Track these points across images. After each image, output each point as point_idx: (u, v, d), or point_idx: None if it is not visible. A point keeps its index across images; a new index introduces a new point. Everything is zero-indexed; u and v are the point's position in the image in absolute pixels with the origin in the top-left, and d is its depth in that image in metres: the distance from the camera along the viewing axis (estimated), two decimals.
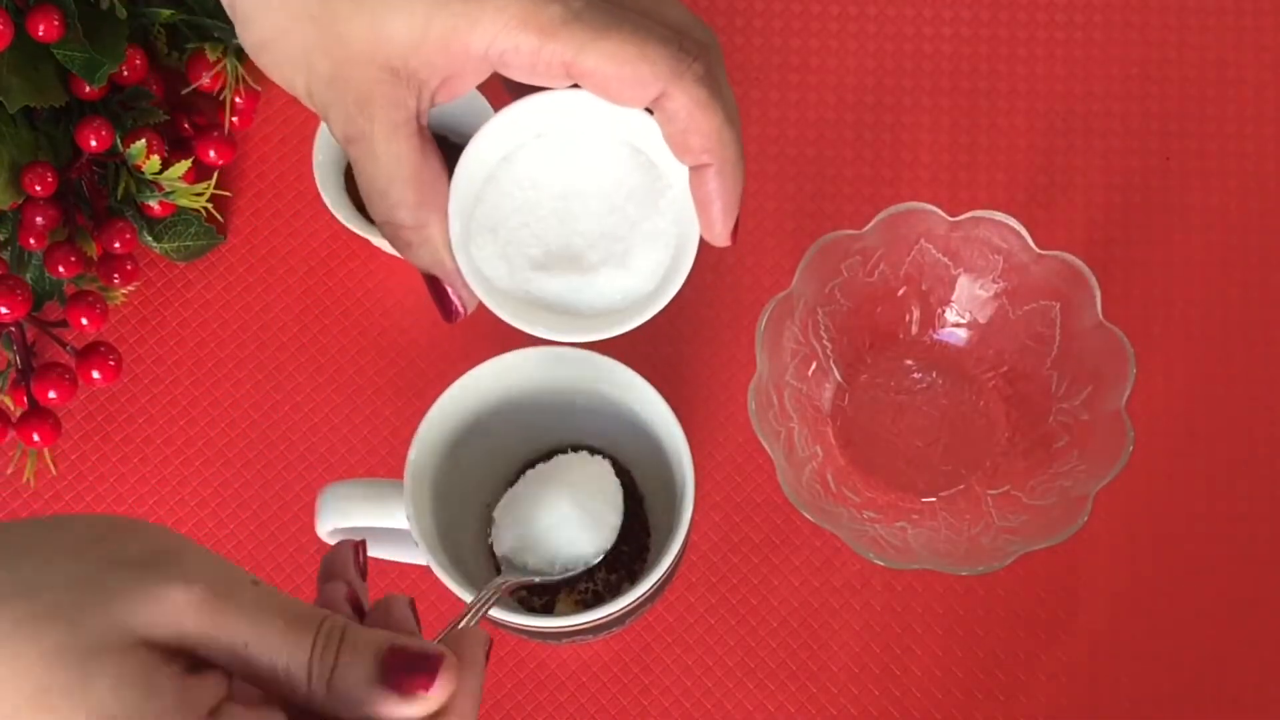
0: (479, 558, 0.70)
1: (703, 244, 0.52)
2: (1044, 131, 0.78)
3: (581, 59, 0.47)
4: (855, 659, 0.71)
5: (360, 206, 0.74)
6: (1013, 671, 0.71)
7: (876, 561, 0.65)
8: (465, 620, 0.51)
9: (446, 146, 0.79)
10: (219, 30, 0.75)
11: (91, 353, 0.72)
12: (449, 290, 0.52)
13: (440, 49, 0.48)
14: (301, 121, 0.79)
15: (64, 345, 0.73)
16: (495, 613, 0.61)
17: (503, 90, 0.54)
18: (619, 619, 0.63)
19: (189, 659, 0.40)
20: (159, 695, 0.38)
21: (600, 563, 0.69)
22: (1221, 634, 0.71)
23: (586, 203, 0.52)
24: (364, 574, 0.46)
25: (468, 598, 0.61)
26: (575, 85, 0.49)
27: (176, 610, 0.39)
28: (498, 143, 0.52)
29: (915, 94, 0.79)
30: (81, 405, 0.75)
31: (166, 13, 0.74)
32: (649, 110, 0.50)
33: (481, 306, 0.53)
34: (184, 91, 0.76)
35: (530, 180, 0.53)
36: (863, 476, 0.72)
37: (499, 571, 0.70)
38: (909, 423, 0.73)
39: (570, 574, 0.61)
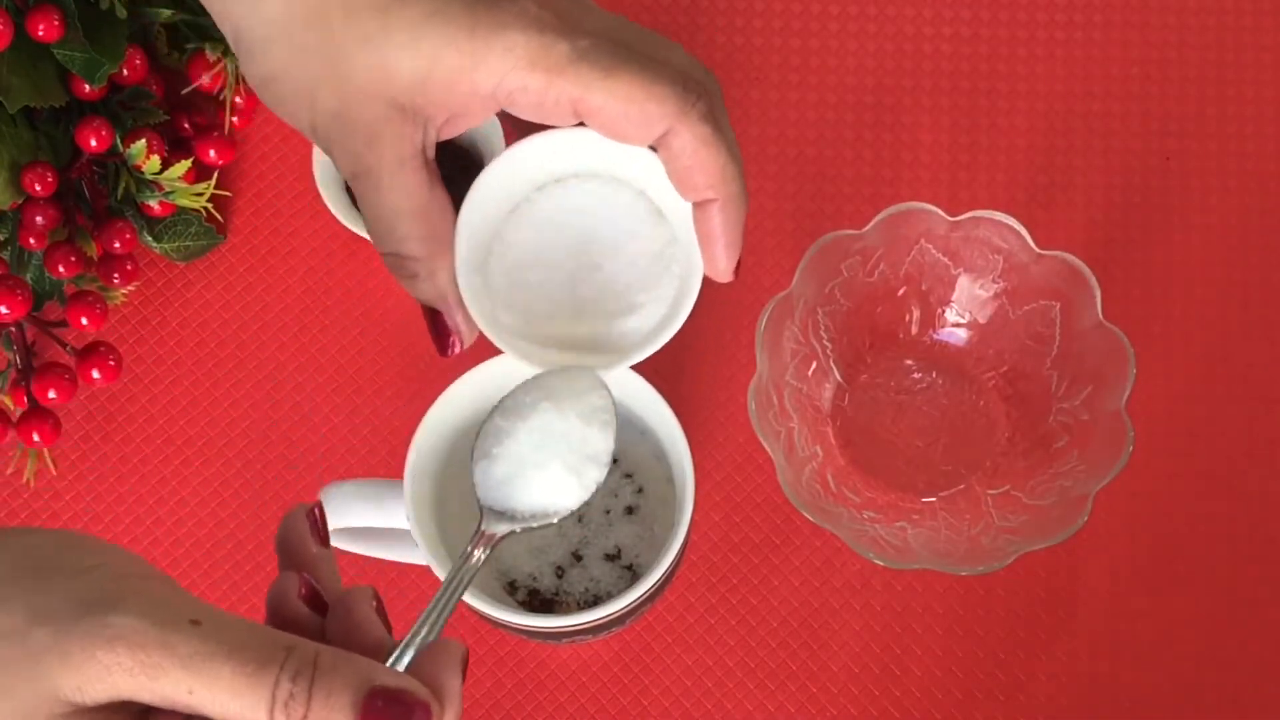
0: None
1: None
2: (1044, 131, 0.78)
3: (589, 97, 0.47)
4: (855, 659, 0.71)
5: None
6: (1013, 671, 0.71)
7: (876, 561, 0.65)
8: (438, 610, 0.45)
9: (448, 145, 0.79)
10: (219, 30, 0.75)
11: (91, 353, 0.72)
12: (448, 323, 0.52)
13: (446, 88, 0.47)
14: None
15: (64, 345, 0.73)
16: (495, 613, 0.61)
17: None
18: (619, 619, 0.63)
19: (135, 711, 0.38)
20: None
21: (598, 558, 0.69)
22: (1221, 634, 0.71)
23: (594, 258, 0.53)
24: (325, 541, 0.44)
25: (469, 598, 0.61)
26: (580, 123, 0.49)
27: (105, 672, 0.37)
28: (504, 185, 0.53)
29: (915, 94, 0.79)
30: (81, 405, 0.75)
31: (166, 13, 0.74)
32: (652, 148, 0.50)
33: (479, 340, 0.53)
34: (184, 91, 0.76)
35: (540, 236, 0.53)
36: (863, 476, 0.72)
37: (498, 571, 0.70)
38: (909, 423, 0.73)
39: (548, 522, 0.55)
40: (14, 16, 0.69)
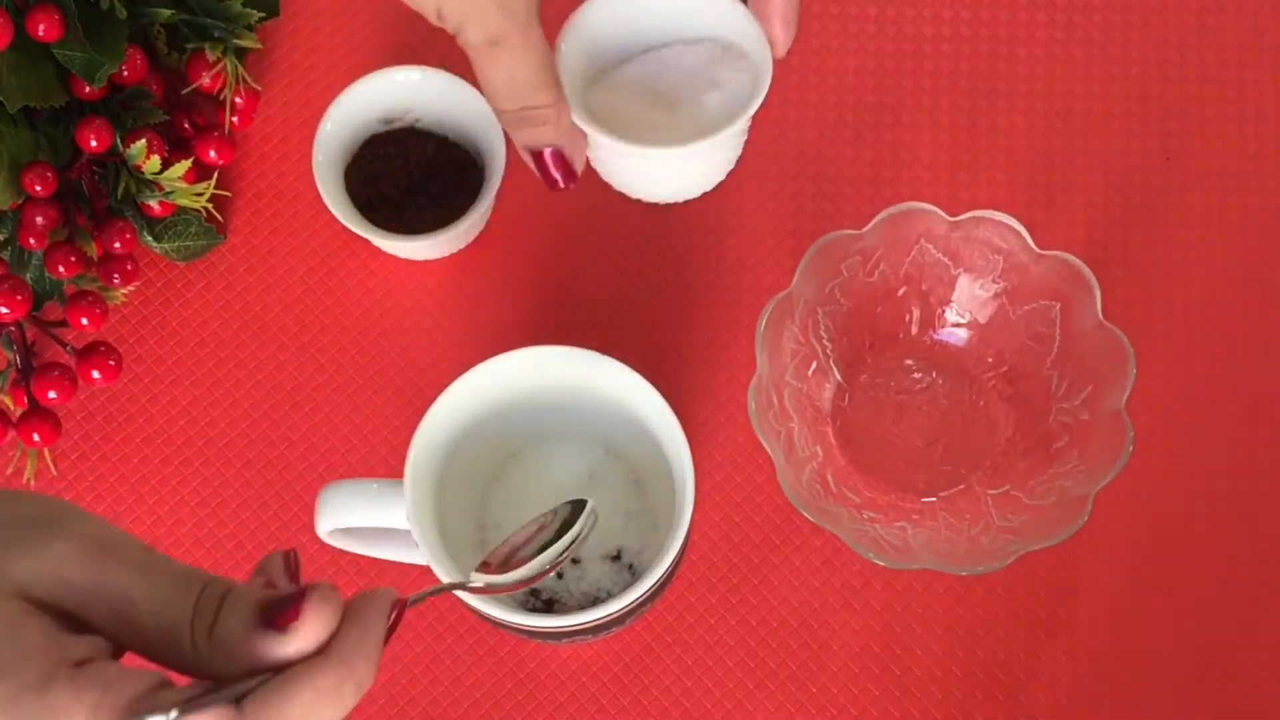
0: (478, 558, 0.69)
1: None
2: (1044, 131, 0.78)
3: None
4: (855, 659, 0.71)
5: (360, 206, 0.74)
6: (1013, 671, 0.71)
7: (876, 561, 0.65)
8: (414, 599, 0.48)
9: (448, 146, 0.79)
10: (219, 30, 0.75)
11: (91, 353, 0.72)
12: (565, 162, 0.57)
13: None
14: (301, 122, 0.79)
15: (64, 345, 0.73)
16: (495, 613, 0.61)
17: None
18: (619, 619, 0.63)
19: (71, 621, 0.40)
20: (24, 639, 0.39)
21: (598, 558, 0.69)
22: (1221, 634, 0.71)
23: (672, 100, 0.60)
24: (295, 579, 0.46)
25: (469, 598, 0.61)
26: None
27: (59, 561, 0.40)
28: (584, 49, 0.59)
29: (915, 94, 0.79)
30: (81, 405, 0.75)
31: (166, 13, 0.74)
32: None
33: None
34: (184, 91, 0.76)
35: (621, 96, 0.59)
36: (863, 476, 0.72)
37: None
38: (909, 423, 0.73)
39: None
40: (14, 16, 0.69)
